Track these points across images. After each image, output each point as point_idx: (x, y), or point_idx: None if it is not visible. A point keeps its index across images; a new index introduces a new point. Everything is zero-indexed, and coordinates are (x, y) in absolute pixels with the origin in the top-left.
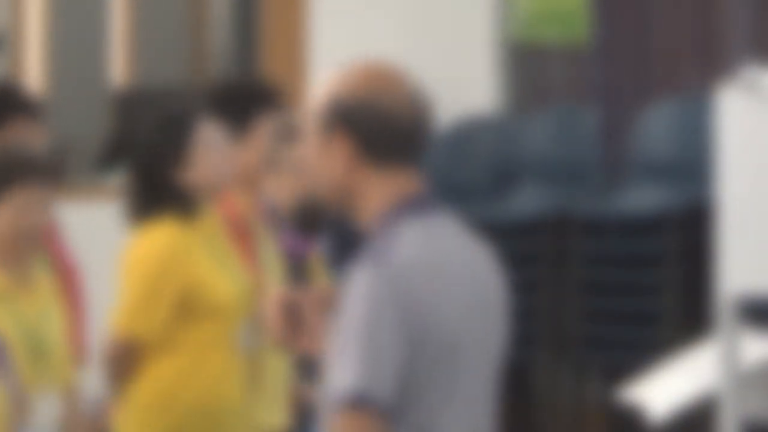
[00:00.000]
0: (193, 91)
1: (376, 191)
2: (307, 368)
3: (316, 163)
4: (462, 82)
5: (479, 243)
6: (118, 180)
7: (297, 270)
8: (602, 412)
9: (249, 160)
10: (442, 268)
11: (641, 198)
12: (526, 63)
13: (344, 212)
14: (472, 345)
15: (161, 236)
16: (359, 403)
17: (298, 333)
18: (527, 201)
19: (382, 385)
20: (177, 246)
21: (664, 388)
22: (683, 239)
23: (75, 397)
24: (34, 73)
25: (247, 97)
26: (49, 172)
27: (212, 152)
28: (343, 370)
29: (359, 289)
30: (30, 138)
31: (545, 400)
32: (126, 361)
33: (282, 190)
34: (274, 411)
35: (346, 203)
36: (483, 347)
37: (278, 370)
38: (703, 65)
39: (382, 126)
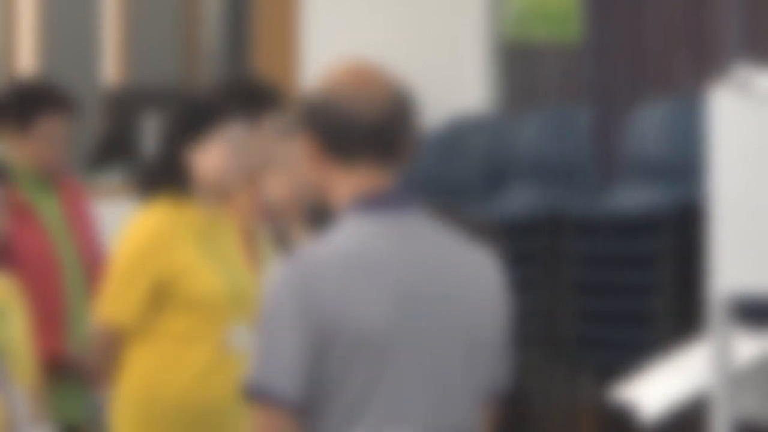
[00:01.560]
0: (186, 90)
1: (342, 188)
2: None
3: (300, 160)
4: (453, 81)
5: (457, 240)
6: (110, 178)
7: None
8: (595, 412)
9: (251, 161)
10: (365, 264)
11: (633, 197)
12: (518, 62)
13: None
14: (404, 342)
15: (147, 221)
16: (257, 396)
17: None
18: (519, 200)
19: (282, 378)
20: (160, 232)
21: (656, 387)
22: (676, 239)
23: (38, 397)
24: (26, 71)
25: (252, 98)
26: (4, 174)
27: (232, 151)
28: (253, 364)
29: (271, 286)
30: (61, 134)
31: (538, 400)
32: (109, 348)
33: (279, 188)
34: None
35: (326, 199)
36: (426, 344)
37: None
38: (696, 65)
39: (341, 124)
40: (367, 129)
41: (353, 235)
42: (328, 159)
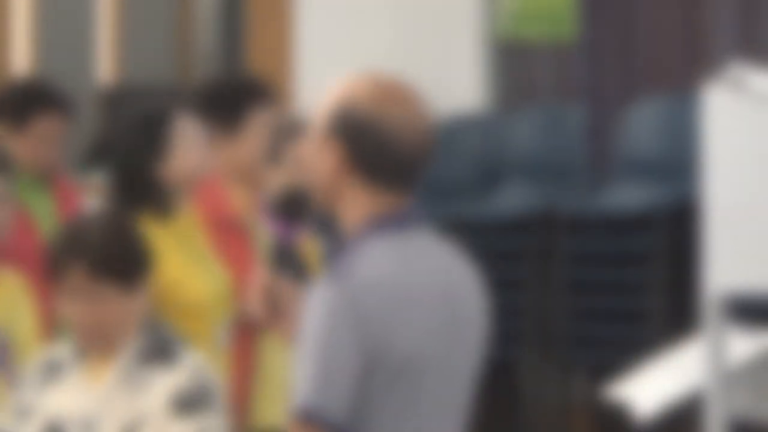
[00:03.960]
0: (179, 89)
1: (358, 204)
2: None
3: (309, 161)
4: (448, 80)
5: (460, 259)
6: (104, 177)
7: (283, 257)
8: (589, 411)
9: (244, 155)
10: (406, 289)
11: (627, 196)
12: (512, 61)
13: (331, 212)
14: (436, 365)
15: None
16: (310, 419)
17: (278, 316)
18: (513, 199)
19: (334, 402)
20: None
21: (650, 386)
22: (669, 237)
23: None
24: (20, 70)
25: (239, 92)
26: (9, 167)
27: (190, 148)
28: (300, 385)
29: (318, 305)
30: (57, 133)
31: (532, 399)
32: None
33: (279, 186)
34: (275, 408)
35: (331, 206)
36: (451, 366)
37: (278, 367)
38: (689, 63)
39: (378, 147)
40: (408, 157)
41: (386, 259)
42: (354, 174)
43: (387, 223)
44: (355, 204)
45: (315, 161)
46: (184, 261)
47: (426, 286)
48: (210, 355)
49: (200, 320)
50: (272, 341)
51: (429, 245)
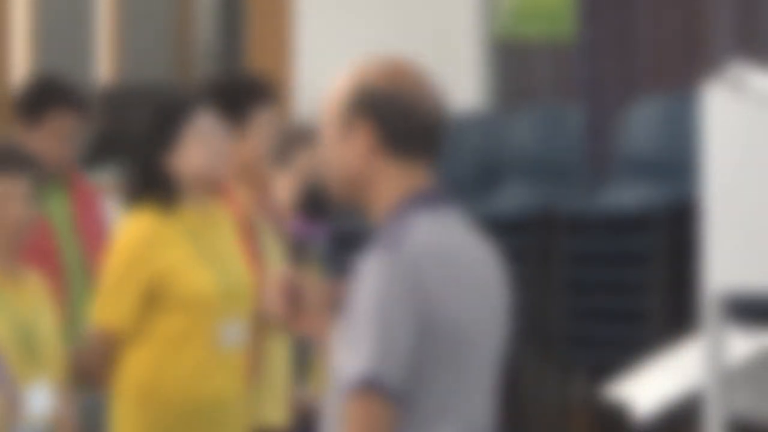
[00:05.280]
0: (179, 88)
1: (391, 182)
2: (302, 360)
3: (333, 153)
4: (447, 79)
5: (483, 239)
6: (103, 177)
7: (300, 254)
8: (588, 410)
9: (248, 153)
10: (452, 261)
11: (626, 195)
12: (511, 60)
13: (354, 204)
14: (477, 338)
15: (136, 225)
16: (370, 388)
17: (298, 315)
18: (512, 198)
19: (393, 370)
20: (149, 235)
21: (649, 385)
22: (669, 237)
23: (67, 391)
24: (19, 70)
25: (242, 91)
26: (33, 166)
27: (208, 143)
28: (355, 356)
29: (371, 277)
30: (71, 129)
31: (531, 398)
32: (104, 352)
33: (287, 189)
34: (274, 408)
35: (358, 195)
36: (487, 341)
37: (278, 367)
38: (689, 63)
39: (406, 117)
40: (427, 124)
41: (434, 230)
42: (384, 151)
43: (424, 198)
44: (389, 184)
45: (341, 153)
46: (186, 254)
47: (467, 261)
48: (207, 351)
49: (198, 316)
50: (275, 341)
51: (459, 223)
